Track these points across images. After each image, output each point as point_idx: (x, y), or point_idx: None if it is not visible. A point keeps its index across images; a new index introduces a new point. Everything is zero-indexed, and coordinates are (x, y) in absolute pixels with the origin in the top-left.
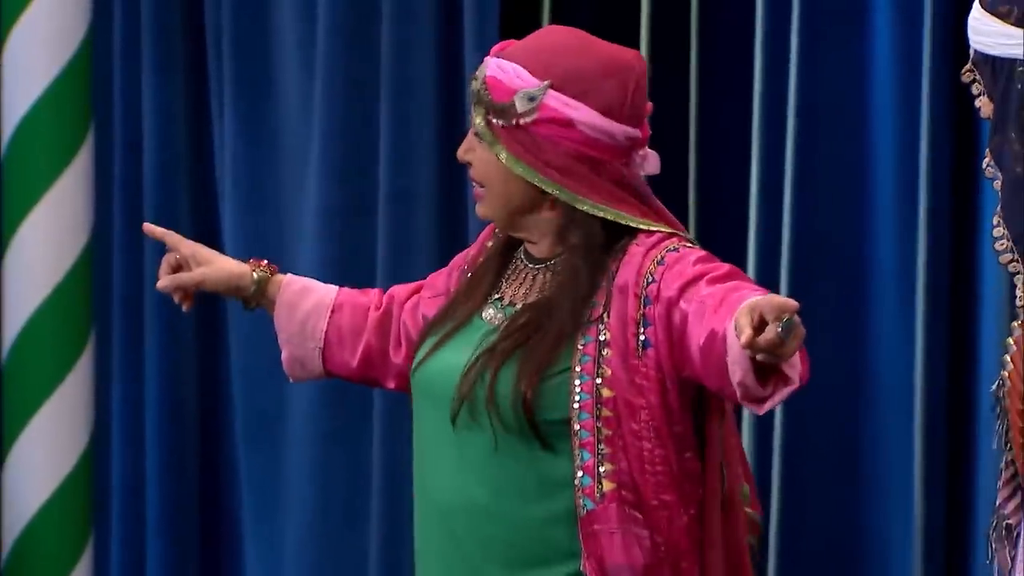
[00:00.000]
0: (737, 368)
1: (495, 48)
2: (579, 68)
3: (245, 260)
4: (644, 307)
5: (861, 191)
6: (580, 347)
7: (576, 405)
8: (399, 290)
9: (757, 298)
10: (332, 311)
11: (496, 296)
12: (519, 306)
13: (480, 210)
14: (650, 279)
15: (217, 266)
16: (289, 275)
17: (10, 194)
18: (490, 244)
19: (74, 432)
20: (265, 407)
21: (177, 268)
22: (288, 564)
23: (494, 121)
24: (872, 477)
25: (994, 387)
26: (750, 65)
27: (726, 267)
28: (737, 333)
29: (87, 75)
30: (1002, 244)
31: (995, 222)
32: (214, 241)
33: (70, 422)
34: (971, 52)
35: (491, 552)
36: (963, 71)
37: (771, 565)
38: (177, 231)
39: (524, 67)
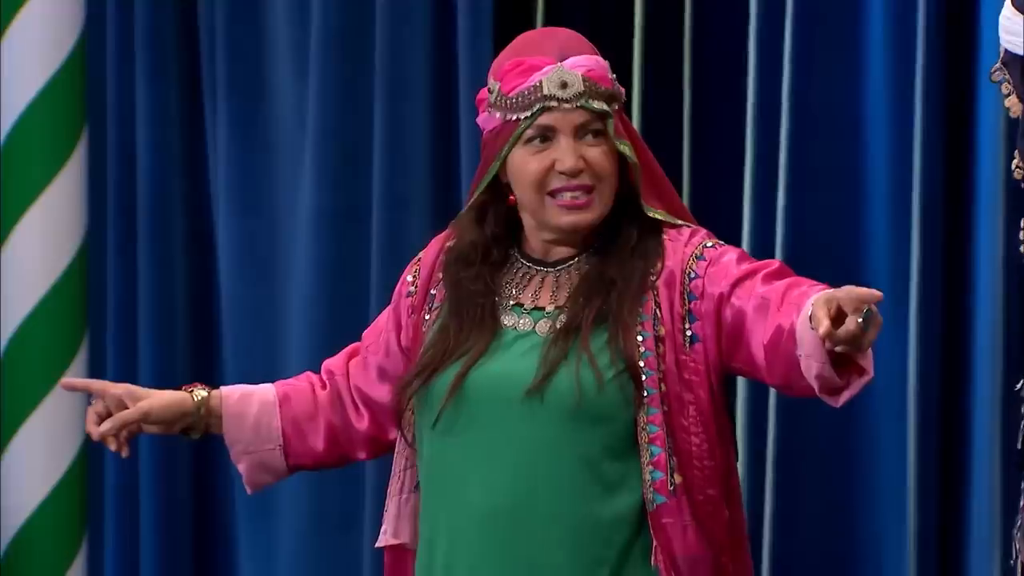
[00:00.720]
0: (813, 362)
1: (536, 58)
2: None
3: (178, 388)
4: (689, 302)
5: (855, 193)
6: (639, 341)
7: (645, 401)
8: (333, 363)
9: (833, 290)
10: (280, 405)
11: (512, 304)
12: (549, 308)
13: (590, 215)
14: (692, 275)
15: (157, 397)
16: (223, 388)
17: (5, 196)
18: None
19: (69, 433)
20: None
21: (108, 415)
22: (282, 567)
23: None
24: (866, 478)
25: (1018, 387)
26: (743, 67)
27: (776, 262)
28: (814, 325)
29: (81, 78)
30: None
31: (1023, 225)
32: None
33: (65, 423)
34: (1001, 51)
35: (553, 554)
36: (992, 70)
37: (765, 567)
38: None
39: (586, 53)
